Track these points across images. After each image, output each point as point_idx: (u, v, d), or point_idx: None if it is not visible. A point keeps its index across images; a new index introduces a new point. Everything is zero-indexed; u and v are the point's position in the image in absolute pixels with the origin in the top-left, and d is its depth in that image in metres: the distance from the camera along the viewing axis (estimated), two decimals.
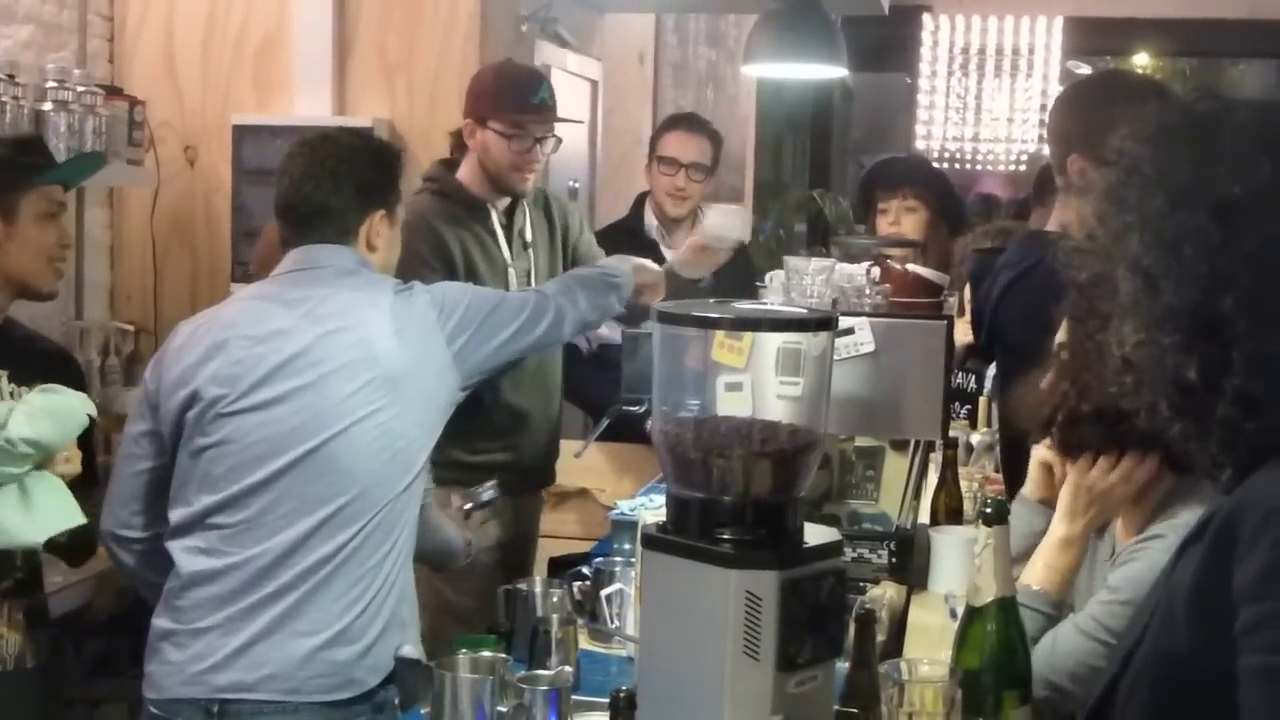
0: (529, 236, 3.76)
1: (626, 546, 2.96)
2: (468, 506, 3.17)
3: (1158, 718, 1.47)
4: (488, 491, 3.20)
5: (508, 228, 3.72)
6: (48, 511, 2.67)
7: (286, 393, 2.64)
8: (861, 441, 3.02)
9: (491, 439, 3.61)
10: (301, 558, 2.61)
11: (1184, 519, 2.10)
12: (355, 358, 2.66)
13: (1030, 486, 2.44)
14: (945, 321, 2.72)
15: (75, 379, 3.00)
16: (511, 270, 3.68)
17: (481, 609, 3.36)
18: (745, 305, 2.12)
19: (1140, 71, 10.69)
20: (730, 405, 1.95)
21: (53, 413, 2.68)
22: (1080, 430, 2.16)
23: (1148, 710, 1.48)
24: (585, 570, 2.85)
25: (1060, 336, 2.22)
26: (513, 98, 3.61)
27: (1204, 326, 1.39)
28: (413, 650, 2.60)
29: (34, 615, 2.90)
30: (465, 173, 3.69)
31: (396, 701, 2.57)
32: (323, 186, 2.76)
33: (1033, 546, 2.31)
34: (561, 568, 3.20)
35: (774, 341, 2.02)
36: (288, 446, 2.62)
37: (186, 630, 2.63)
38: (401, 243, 3.22)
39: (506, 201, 3.72)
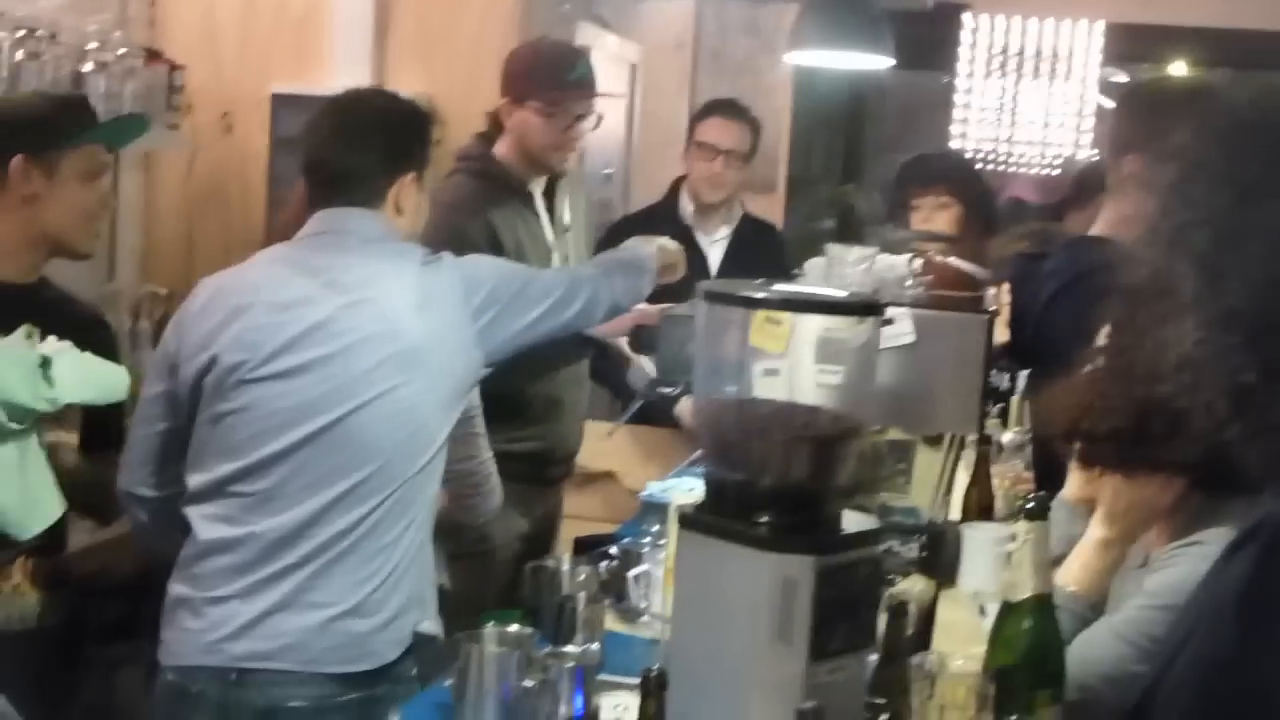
0: (567, 219, 3.73)
1: (655, 529, 2.95)
2: None
3: None
4: None
5: (549, 210, 3.68)
6: (40, 502, 2.65)
7: (308, 362, 2.60)
8: (893, 434, 3.00)
9: (526, 426, 3.59)
10: (321, 530, 2.59)
11: (1224, 527, 2.07)
12: (378, 330, 2.62)
13: (1070, 488, 2.42)
14: (987, 316, 2.69)
15: (108, 343, 2.99)
16: (555, 255, 3.64)
17: (503, 601, 3.34)
18: (790, 288, 2.11)
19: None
20: (767, 391, 1.93)
21: (99, 384, 2.67)
22: (1100, 447, 2.13)
23: (1188, 717, 1.45)
24: (612, 551, 2.83)
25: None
26: (551, 75, 3.56)
27: (1267, 326, 1.36)
28: (432, 626, 2.59)
29: (55, 575, 2.89)
30: (504, 152, 3.63)
31: (415, 673, 2.56)
32: (353, 146, 2.70)
33: (1069, 549, 2.29)
34: (586, 549, 3.18)
35: (813, 328, 2.00)
36: (308, 417, 2.59)
37: (204, 598, 2.62)
38: (450, 229, 3.21)
39: (543, 181, 3.68)
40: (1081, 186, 5.11)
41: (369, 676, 2.62)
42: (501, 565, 3.53)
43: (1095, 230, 3.08)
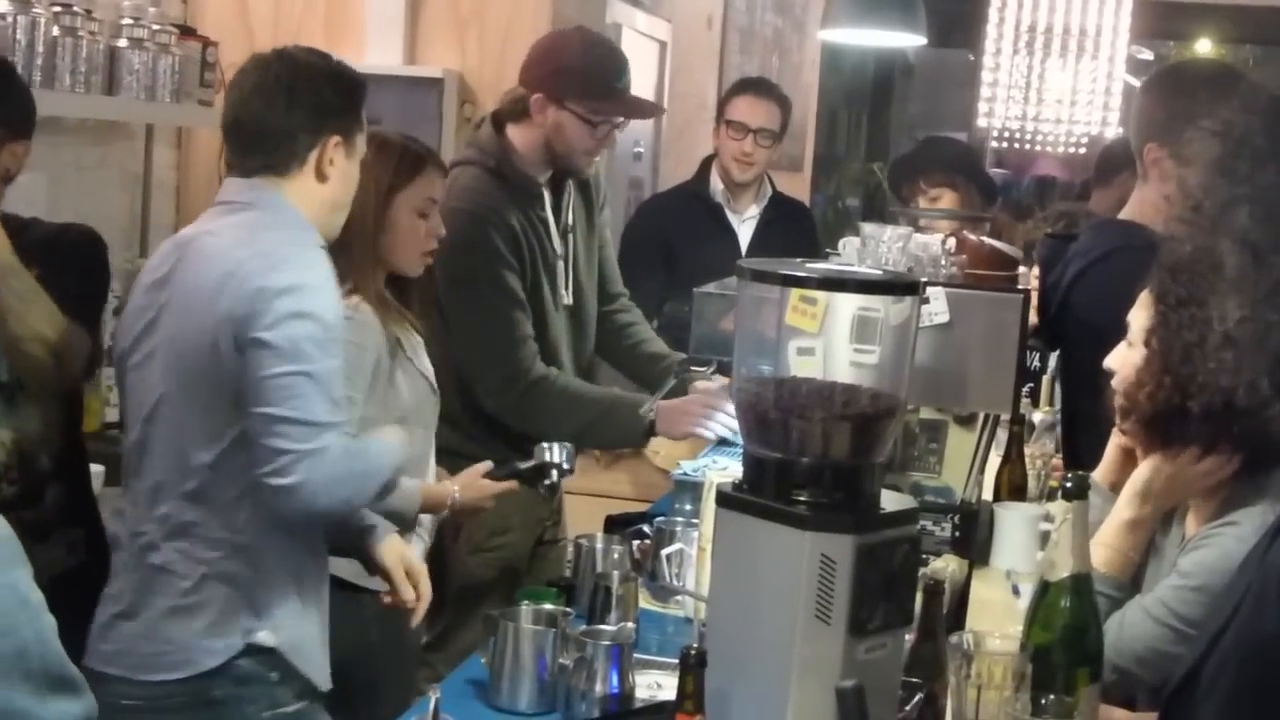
0: (570, 220, 3.54)
1: (688, 507, 2.96)
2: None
3: (1242, 703, 1.45)
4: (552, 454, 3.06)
5: (555, 211, 3.50)
6: None
7: (144, 359, 2.50)
8: (925, 413, 2.99)
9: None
10: (139, 534, 2.50)
11: (1260, 507, 2.07)
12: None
13: (1102, 471, 2.41)
14: (1022, 295, 2.69)
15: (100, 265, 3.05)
16: (560, 262, 3.48)
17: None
18: (828, 267, 2.10)
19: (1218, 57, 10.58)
20: (801, 371, 1.93)
21: None
22: (1184, 424, 2.11)
23: (1232, 695, 1.45)
24: (646, 529, 2.84)
25: (1142, 322, 2.18)
26: (600, 82, 3.37)
27: None
28: (270, 637, 2.46)
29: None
30: (522, 144, 3.42)
31: (274, 678, 2.48)
32: (272, 104, 2.49)
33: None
34: (618, 526, 3.19)
35: (848, 308, 1.99)
36: (137, 417, 2.50)
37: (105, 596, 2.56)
38: (472, 238, 3.19)
39: (546, 176, 3.48)
40: (1105, 165, 5.12)
41: (192, 682, 2.46)
42: (519, 557, 3.52)
43: (1125, 215, 3.08)
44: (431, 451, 3.01)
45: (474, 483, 2.99)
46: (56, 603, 2.30)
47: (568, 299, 3.51)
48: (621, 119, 3.45)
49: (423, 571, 2.67)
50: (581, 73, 3.36)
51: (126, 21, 3.76)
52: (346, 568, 2.83)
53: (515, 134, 3.42)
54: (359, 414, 2.72)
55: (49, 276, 2.79)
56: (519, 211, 3.37)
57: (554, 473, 3.06)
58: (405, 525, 2.84)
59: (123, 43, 3.72)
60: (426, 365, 2.98)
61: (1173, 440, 2.12)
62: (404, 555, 2.64)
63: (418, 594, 2.63)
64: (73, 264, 2.95)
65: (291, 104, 2.49)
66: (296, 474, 2.33)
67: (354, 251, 2.81)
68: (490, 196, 3.34)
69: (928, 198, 4.57)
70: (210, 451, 2.41)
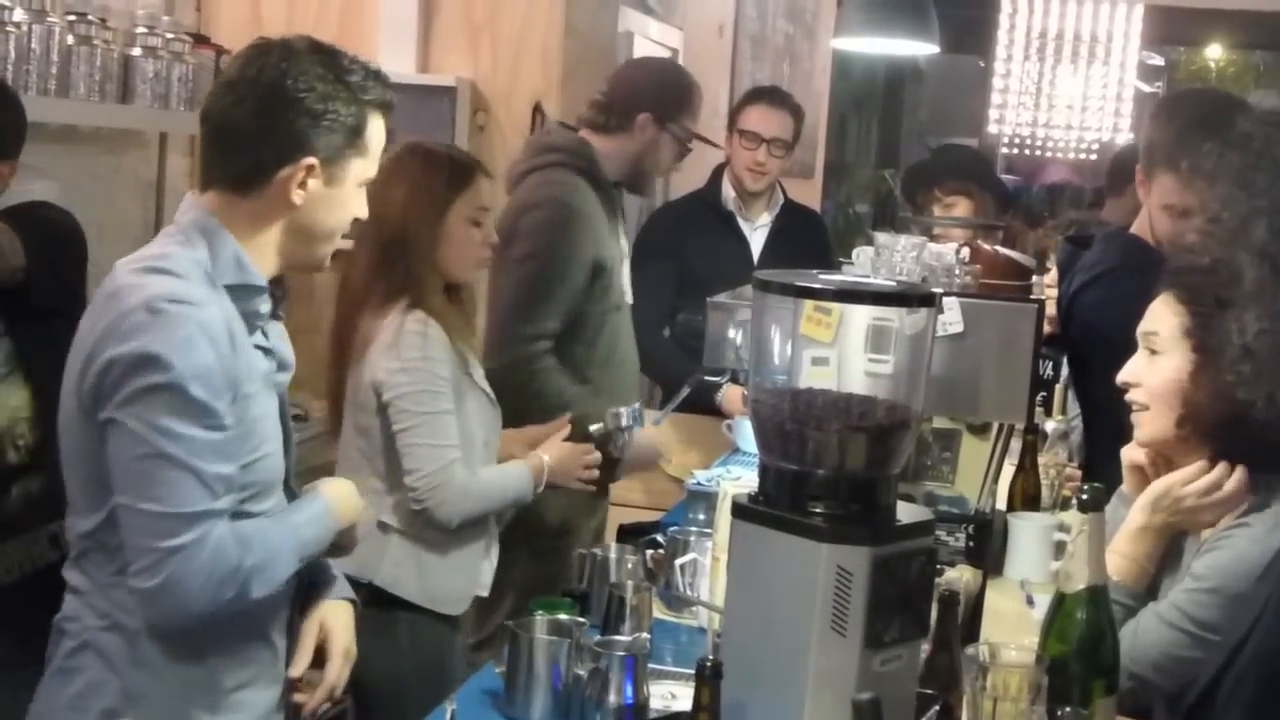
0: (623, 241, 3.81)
1: (701, 516, 2.96)
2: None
3: (1262, 716, 1.45)
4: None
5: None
6: None
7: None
8: (938, 423, 2.99)
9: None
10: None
11: (1273, 509, 2.06)
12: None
13: (1128, 484, 2.41)
14: (1036, 305, 2.69)
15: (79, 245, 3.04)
16: (623, 264, 3.71)
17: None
18: (841, 278, 2.10)
19: (1218, 63, 10.57)
20: (816, 380, 1.93)
21: None
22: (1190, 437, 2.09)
23: (1252, 708, 1.45)
24: (659, 538, 2.84)
25: (1173, 332, 2.14)
26: (697, 113, 3.74)
27: None
28: None
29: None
30: (605, 154, 3.64)
31: None
32: (245, 101, 2.07)
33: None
34: (630, 536, 3.19)
35: (863, 318, 1.99)
36: None
37: None
38: (560, 223, 3.37)
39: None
40: (1116, 173, 5.12)
41: None
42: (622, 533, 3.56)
43: (1134, 230, 3.11)
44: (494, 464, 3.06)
45: (561, 448, 3.12)
46: (38, 596, 2.30)
47: (628, 297, 3.73)
48: (689, 149, 3.80)
49: (343, 656, 2.27)
50: (690, 101, 3.72)
51: (140, 30, 3.77)
52: (381, 577, 2.91)
53: (598, 143, 3.65)
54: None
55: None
56: (602, 213, 3.58)
57: (624, 435, 3.32)
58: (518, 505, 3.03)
59: (137, 51, 3.73)
60: (484, 380, 3.04)
61: (1236, 446, 2.09)
62: (329, 629, 2.27)
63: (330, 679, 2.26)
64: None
65: (266, 106, 2.07)
66: (161, 575, 1.97)
67: (411, 265, 2.89)
68: (582, 195, 3.55)
69: (943, 205, 4.57)
70: (89, 521, 2.08)
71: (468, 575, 3.01)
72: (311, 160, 2.07)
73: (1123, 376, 2.24)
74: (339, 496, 2.26)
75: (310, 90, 2.06)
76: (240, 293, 2.08)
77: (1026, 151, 10.74)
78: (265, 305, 2.13)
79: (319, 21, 4.39)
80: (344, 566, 2.43)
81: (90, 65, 3.52)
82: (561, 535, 3.54)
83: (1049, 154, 10.69)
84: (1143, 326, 2.22)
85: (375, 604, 2.85)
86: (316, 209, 2.11)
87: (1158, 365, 2.18)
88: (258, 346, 2.13)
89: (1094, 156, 10.43)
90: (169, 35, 3.82)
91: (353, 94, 2.10)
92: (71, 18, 3.50)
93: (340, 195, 2.13)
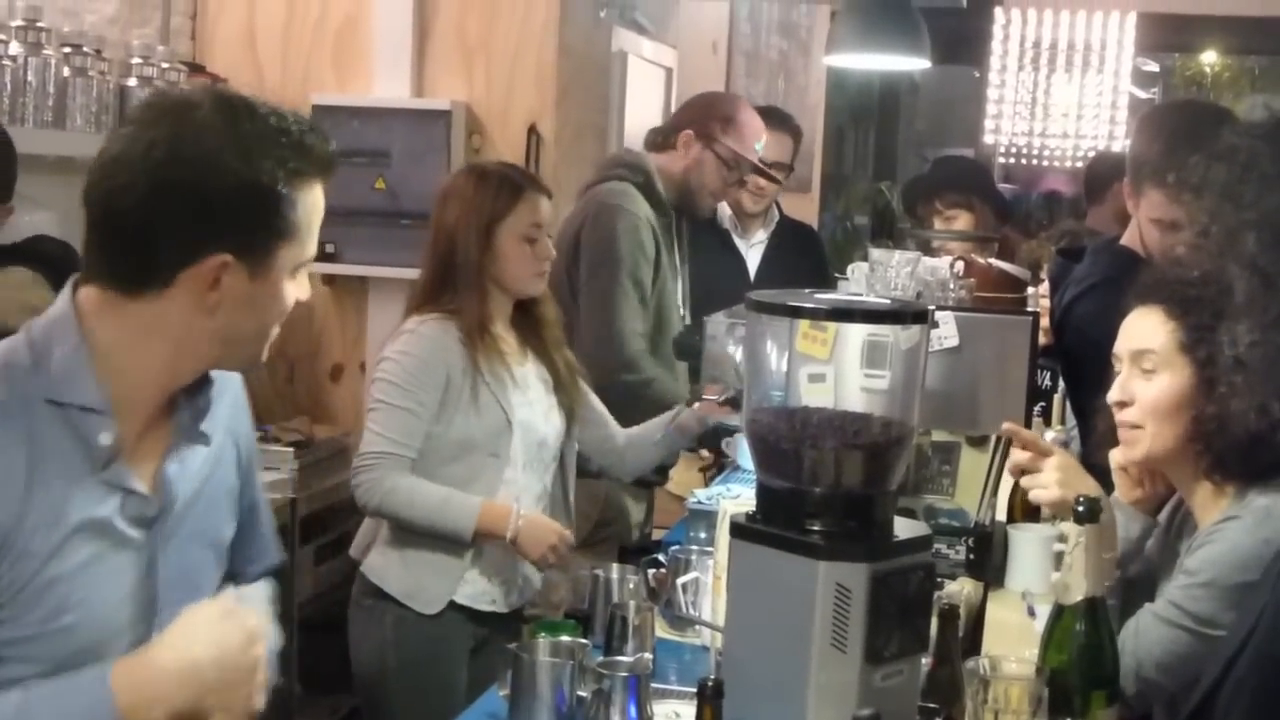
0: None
1: (703, 535, 2.96)
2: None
3: None
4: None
5: (679, 236, 3.96)
6: None
7: None
8: (937, 436, 3.00)
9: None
10: None
11: (1261, 502, 2.06)
12: None
13: (1120, 491, 2.42)
14: (1031, 317, 2.70)
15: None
16: (680, 283, 3.90)
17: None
18: (834, 297, 2.11)
19: (1213, 68, 10.58)
20: (813, 397, 1.94)
21: None
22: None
23: (1250, 713, 1.46)
24: (660, 558, 2.84)
25: (1170, 349, 2.15)
26: (747, 135, 3.89)
27: None
28: None
29: None
30: (661, 169, 3.82)
31: None
32: (134, 185, 1.64)
33: (1126, 551, 2.30)
34: (632, 555, 3.19)
35: (858, 334, 2.01)
36: None
37: None
38: (620, 229, 3.58)
39: None
40: (1093, 182, 5.15)
41: None
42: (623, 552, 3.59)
43: (1124, 242, 3.12)
44: (499, 480, 3.04)
45: (540, 520, 3.03)
46: None
47: (686, 317, 3.89)
48: (749, 177, 4.00)
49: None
50: (736, 122, 3.86)
51: (136, 60, 3.79)
52: (370, 565, 3.03)
53: (653, 159, 3.86)
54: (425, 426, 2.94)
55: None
56: (658, 223, 3.77)
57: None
58: (460, 541, 2.97)
59: (132, 81, 3.75)
60: (511, 400, 3.04)
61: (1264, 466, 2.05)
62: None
63: None
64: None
65: (156, 192, 1.65)
66: None
67: (459, 283, 3.01)
68: (638, 203, 3.73)
69: (943, 218, 4.59)
70: None
71: (448, 579, 3.02)
72: (224, 257, 1.67)
73: (1114, 396, 2.24)
74: (144, 677, 1.65)
75: (217, 166, 1.64)
76: (69, 415, 1.65)
77: (1023, 161, 10.74)
78: (106, 436, 1.67)
79: (313, 48, 4.41)
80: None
81: (86, 96, 3.55)
82: (602, 525, 3.60)
83: (1046, 162, 10.70)
84: (1130, 345, 2.21)
85: (368, 592, 3.05)
86: (236, 312, 1.70)
87: (1154, 383, 2.17)
88: (110, 483, 1.69)
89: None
90: (164, 65, 3.84)
91: (276, 163, 1.67)
92: (67, 49, 3.52)
93: (266, 291, 1.71)
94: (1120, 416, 2.23)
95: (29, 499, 1.62)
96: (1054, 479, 2.30)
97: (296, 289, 1.77)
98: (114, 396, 1.68)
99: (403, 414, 2.96)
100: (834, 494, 1.82)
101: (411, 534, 2.99)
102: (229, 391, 1.91)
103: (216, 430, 1.84)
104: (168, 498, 1.76)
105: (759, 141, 3.95)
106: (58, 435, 1.65)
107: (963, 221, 4.58)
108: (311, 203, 1.74)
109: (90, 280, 1.71)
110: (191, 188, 1.64)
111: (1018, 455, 2.37)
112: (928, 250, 3.57)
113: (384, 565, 3.04)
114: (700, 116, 3.86)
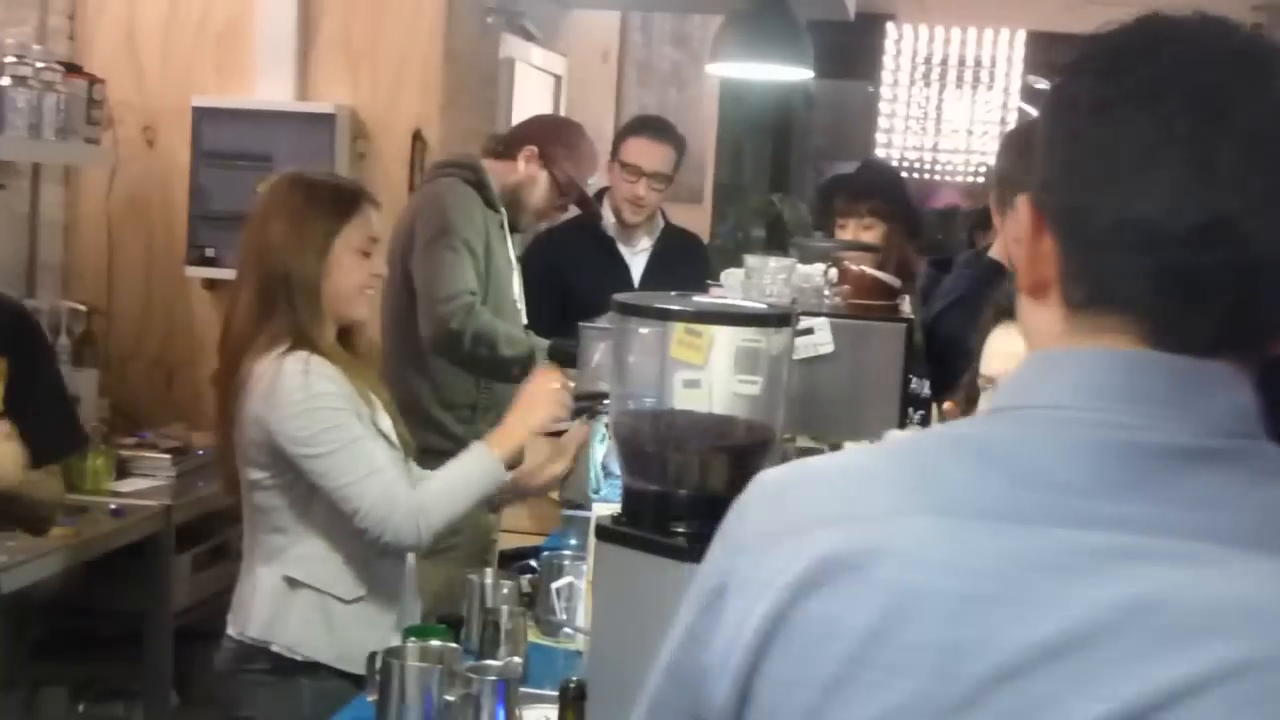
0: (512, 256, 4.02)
1: (573, 541, 2.96)
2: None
3: None
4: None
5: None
6: None
7: None
8: (803, 442, 3.01)
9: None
10: None
11: None
12: None
13: None
14: (905, 324, 2.73)
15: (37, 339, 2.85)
16: (515, 277, 3.95)
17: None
18: (705, 300, 2.12)
19: None
20: (689, 403, 1.95)
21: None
22: None
23: None
24: (533, 563, 2.84)
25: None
26: (586, 167, 4.04)
27: None
28: None
29: None
30: (496, 174, 3.87)
31: None
32: None
33: None
34: (511, 561, 3.19)
35: (732, 340, 2.01)
36: None
37: None
38: (449, 209, 3.71)
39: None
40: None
41: None
42: (471, 564, 3.48)
43: (994, 253, 3.16)
44: None
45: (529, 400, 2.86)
46: None
47: (523, 315, 3.94)
48: (570, 205, 4.11)
49: None
50: (579, 151, 3.98)
51: (10, 59, 3.71)
52: (286, 638, 2.64)
53: (488, 164, 3.88)
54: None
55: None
56: (489, 219, 3.81)
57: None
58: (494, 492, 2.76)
59: (6, 80, 3.67)
60: (387, 424, 2.75)
61: None
62: None
63: None
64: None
65: None
66: None
67: (296, 304, 2.64)
68: (467, 196, 3.77)
69: (861, 225, 4.56)
70: None
71: (379, 633, 2.66)
72: None
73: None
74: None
75: None
76: None
77: (916, 175, 10.89)
78: None
79: (196, 48, 4.35)
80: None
81: None
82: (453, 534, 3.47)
83: (939, 177, 10.85)
84: (994, 367, 2.13)
85: (275, 671, 2.65)
86: None
87: None
88: None
89: (982, 179, 10.60)
90: (40, 64, 3.77)
91: None
92: None
93: None
94: None
95: None
96: None
97: None
98: None
99: (362, 444, 2.61)
100: (699, 496, 1.83)
101: (336, 592, 2.66)
102: None
103: None
104: None
105: (593, 176, 4.09)
106: None
107: (876, 233, 4.58)
108: None
109: None
110: None
111: None
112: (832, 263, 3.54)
113: (307, 635, 2.66)
114: (547, 137, 3.94)
